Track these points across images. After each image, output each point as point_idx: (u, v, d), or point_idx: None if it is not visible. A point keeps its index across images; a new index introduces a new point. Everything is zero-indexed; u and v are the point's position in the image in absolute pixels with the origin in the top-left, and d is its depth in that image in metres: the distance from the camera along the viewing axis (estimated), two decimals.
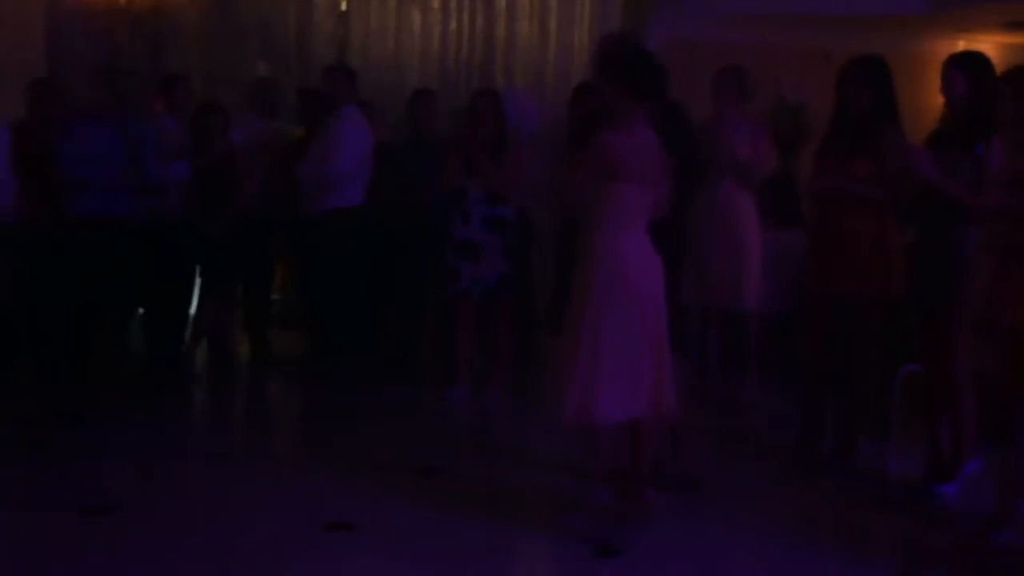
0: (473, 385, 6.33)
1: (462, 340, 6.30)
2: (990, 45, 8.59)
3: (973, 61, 4.77)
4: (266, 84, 7.48)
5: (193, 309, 6.80)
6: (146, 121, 6.43)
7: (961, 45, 8.17)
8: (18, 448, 5.26)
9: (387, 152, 6.91)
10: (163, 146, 6.36)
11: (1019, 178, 4.01)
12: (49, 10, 8.16)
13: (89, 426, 5.61)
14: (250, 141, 6.76)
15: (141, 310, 6.64)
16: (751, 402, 6.28)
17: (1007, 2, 7.91)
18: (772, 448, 5.37)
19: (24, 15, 8.06)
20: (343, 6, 9.32)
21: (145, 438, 5.50)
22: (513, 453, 5.28)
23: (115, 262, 6.06)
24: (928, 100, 5.86)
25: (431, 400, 6.30)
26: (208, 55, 8.95)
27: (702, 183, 6.02)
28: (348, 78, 6.77)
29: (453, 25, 9.19)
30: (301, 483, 4.81)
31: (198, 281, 6.75)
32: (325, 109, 6.61)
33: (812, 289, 5.10)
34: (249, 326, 7.05)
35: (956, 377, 4.54)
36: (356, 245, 6.59)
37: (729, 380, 6.40)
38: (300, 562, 3.95)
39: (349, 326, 6.63)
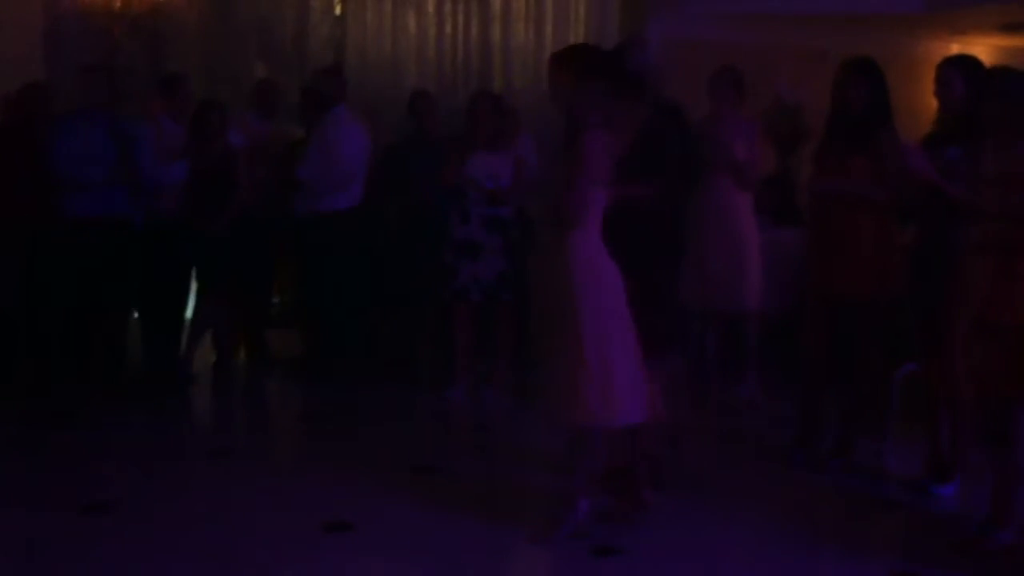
0: (472, 385, 6.33)
1: (460, 340, 6.31)
2: (985, 47, 8.63)
3: (970, 63, 4.78)
4: (266, 85, 7.49)
5: (190, 309, 6.80)
6: (139, 120, 6.42)
7: (956, 47, 8.20)
8: (18, 448, 5.27)
9: (390, 152, 6.93)
10: (162, 146, 6.36)
11: (1009, 178, 4.03)
12: (47, 10, 8.17)
13: (89, 426, 5.61)
14: (249, 142, 6.76)
15: (139, 310, 6.63)
16: (750, 402, 6.28)
17: (1003, 3, 7.94)
18: (772, 448, 5.37)
19: (22, 15, 8.06)
20: (337, 9, 9.36)
21: (145, 438, 5.51)
22: (513, 453, 5.28)
23: (114, 262, 6.05)
24: (924, 101, 5.88)
25: (431, 400, 6.31)
26: (206, 55, 8.97)
27: (699, 183, 6.03)
28: (338, 79, 6.79)
29: (448, 29, 9.21)
30: (301, 483, 4.81)
31: (195, 282, 6.75)
32: (318, 110, 6.64)
33: (812, 289, 5.11)
34: (247, 326, 7.04)
35: (955, 377, 4.54)
36: (356, 245, 6.60)
37: (728, 380, 6.41)
38: (300, 561, 3.96)
39: (349, 326, 6.64)
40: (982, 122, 4.20)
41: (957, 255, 4.34)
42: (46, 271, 6.11)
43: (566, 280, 4.06)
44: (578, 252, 4.06)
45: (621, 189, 4.26)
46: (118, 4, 8.16)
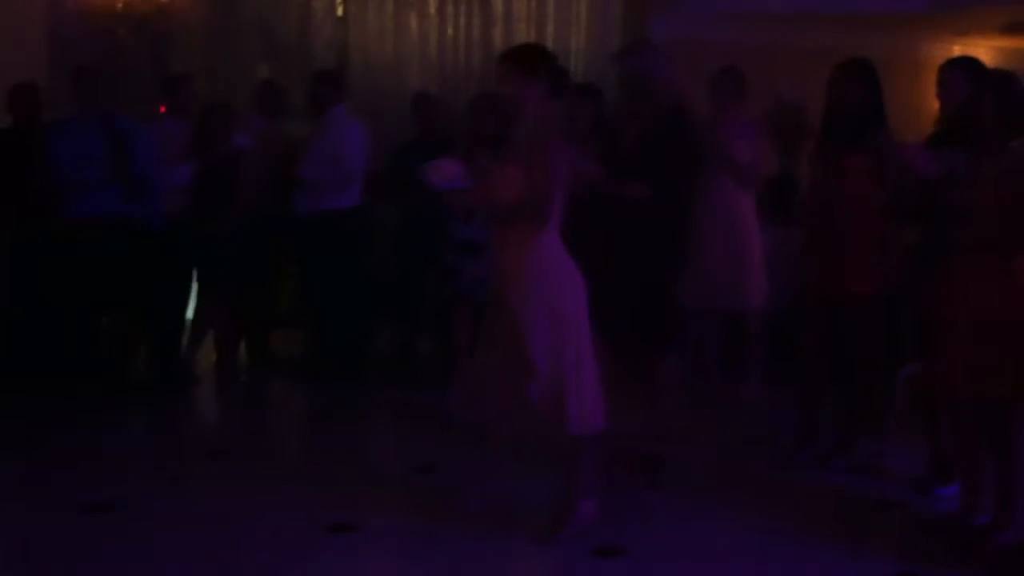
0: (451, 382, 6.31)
1: (461, 340, 6.30)
2: (987, 48, 8.63)
3: (971, 65, 4.78)
4: (270, 86, 7.49)
5: (191, 310, 6.79)
6: (137, 119, 6.42)
7: (958, 48, 8.20)
8: (18, 448, 5.26)
9: (395, 153, 6.95)
10: (165, 148, 6.36)
11: (1005, 178, 4.03)
12: (50, 12, 8.18)
13: (89, 426, 5.60)
14: (255, 143, 6.76)
15: (141, 310, 6.62)
16: (751, 402, 6.26)
17: (1006, 4, 7.94)
18: (773, 448, 5.35)
19: (25, 17, 8.07)
20: (339, 11, 9.37)
21: (145, 438, 5.51)
22: (513, 453, 5.27)
23: (111, 262, 6.05)
24: (925, 101, 5.88)
25: (431, 400, 6.29)
26: (210, 57, 8.98)
27: (701, 183, 6.01)
28: (335, 81, 6.81)
29: (450, 30, 9.22)
30: (301, 483, 4.80)
31: (196, 282, 6.75)
32: (317, 111, 6.67)
33: (810, 288, 5.09)
34: (248, 327, 7.04)
35: (954, 377, 4.52)
36: (357, 245, 6.59)
37: (729, 379, 6.39)
38: (300, 561, 3.95)
39: (349, 326, 6.64)
40: (979, 123, 4.20)
41: (956, 255, 4.34)
42: (45, 271, 6.10)
43: (538, 287, 3.97)
44: (547, 256, 3.99)
45: (618, 186, 4.22)
46: (121, 5, 8.17)
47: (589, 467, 4.20)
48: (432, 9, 9.42)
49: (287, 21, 9.26)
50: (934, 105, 5.00)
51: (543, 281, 3.99)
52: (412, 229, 6.77)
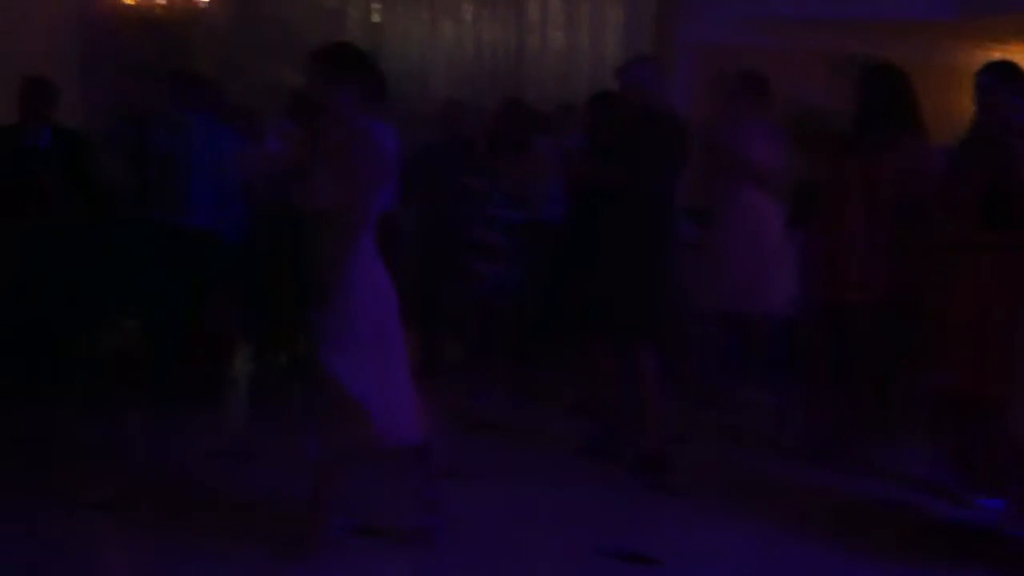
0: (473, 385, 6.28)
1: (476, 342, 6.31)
2: (1022, 55, 8.52)
3: (1006, 70, 4.73)
4: (302, 93, 7.49)
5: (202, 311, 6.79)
6: (208, 121, 6.43)
7: (997, 54, 8.12)
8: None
9: (420, 157, 6.94)
10: None
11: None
12: (81, 14, 8.26)
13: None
14: (284, 147, 6.77)
15: (152, 311, 6.61)
16: (767, 403, 6.14)
17: None
18: (782, 449, 5.34)
19: (57, 20, 8.17)
20: (375, 17, 9.42)
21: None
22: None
23: (117, 262, 6.05)
24: (959, 108, 5.81)
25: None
26: (240, 63, 9.05)
27: (721, 188, 6.00)
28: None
29: (485, 37, 9.26)
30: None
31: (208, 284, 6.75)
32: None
33: (817, 290, 5.10)
34: (259, 328, 7.01)
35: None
36: (384, 248, 6.56)
37: (746, 381, 6.33)
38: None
39: None
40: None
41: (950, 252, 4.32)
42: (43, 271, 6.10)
43: (348, 292, 3.87)
44: (360, 260, 3.89)
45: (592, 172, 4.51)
46: (152, 10, 8.25)
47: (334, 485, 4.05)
48: (468, 16, 9.45)
49: (320, 27, 9.34)
50: (967, 111, 4.92)
51: (353, 286, 3.87)
52: (428, 232, 6.74)
